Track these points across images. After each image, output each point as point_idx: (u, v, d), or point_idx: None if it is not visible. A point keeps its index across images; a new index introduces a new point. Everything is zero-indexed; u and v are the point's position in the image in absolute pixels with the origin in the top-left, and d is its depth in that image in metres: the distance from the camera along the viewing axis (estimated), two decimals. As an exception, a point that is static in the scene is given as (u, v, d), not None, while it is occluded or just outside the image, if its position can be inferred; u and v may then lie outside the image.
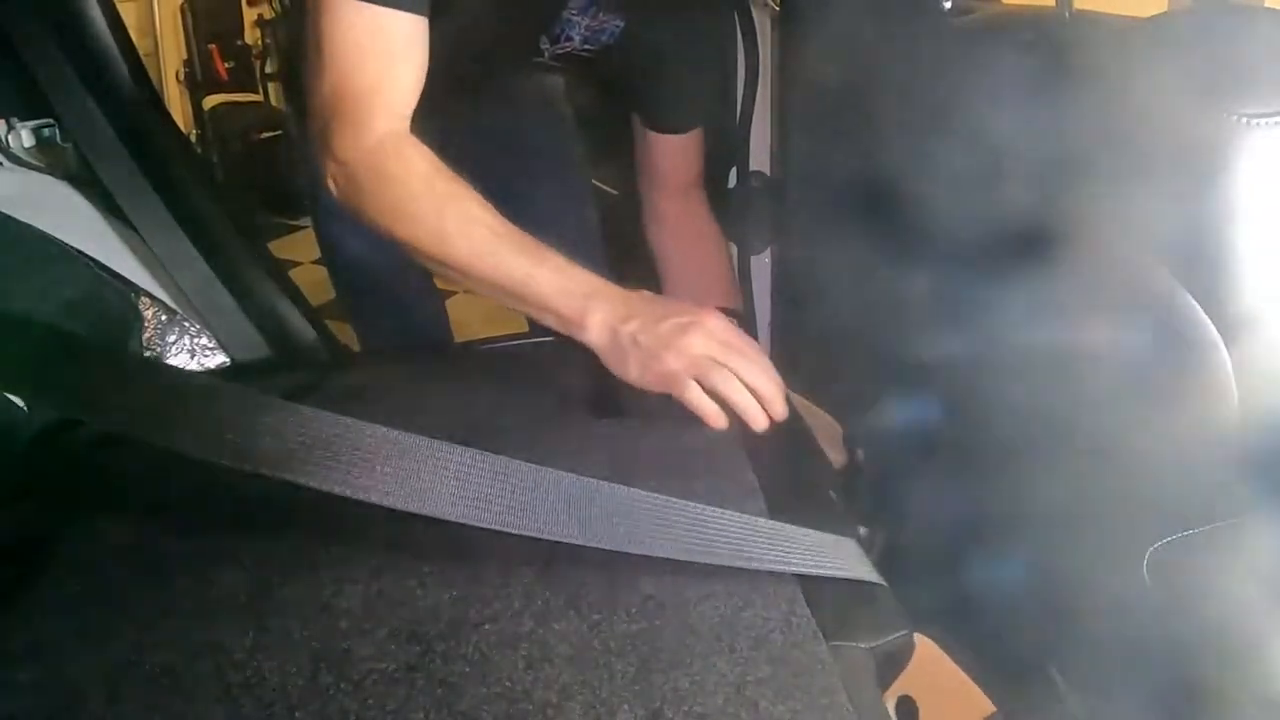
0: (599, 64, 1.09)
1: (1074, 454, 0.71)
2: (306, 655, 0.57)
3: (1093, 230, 0.67)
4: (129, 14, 1.13)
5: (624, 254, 1.32)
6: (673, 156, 1.15)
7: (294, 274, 1.17)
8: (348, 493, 0.57)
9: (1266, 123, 0.57)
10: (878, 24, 0.92)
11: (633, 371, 0.78)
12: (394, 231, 0.83)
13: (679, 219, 1.20)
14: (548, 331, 0.86)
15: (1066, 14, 0.72)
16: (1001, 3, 0.93)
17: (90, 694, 0.55)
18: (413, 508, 0.58)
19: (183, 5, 3.99)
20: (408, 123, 0.84)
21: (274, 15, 4.07)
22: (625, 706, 0.52)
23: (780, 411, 0.79)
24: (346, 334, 1.35)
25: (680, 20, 1.03)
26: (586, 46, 1.05)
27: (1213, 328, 0.62)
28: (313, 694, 0.55)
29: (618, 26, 1.03)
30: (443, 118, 0.88)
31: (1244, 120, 0.58)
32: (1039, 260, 0.70)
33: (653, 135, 1.14)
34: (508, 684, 0.54)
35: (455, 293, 1.33)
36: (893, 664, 0.60)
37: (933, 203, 0.83)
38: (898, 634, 0.60)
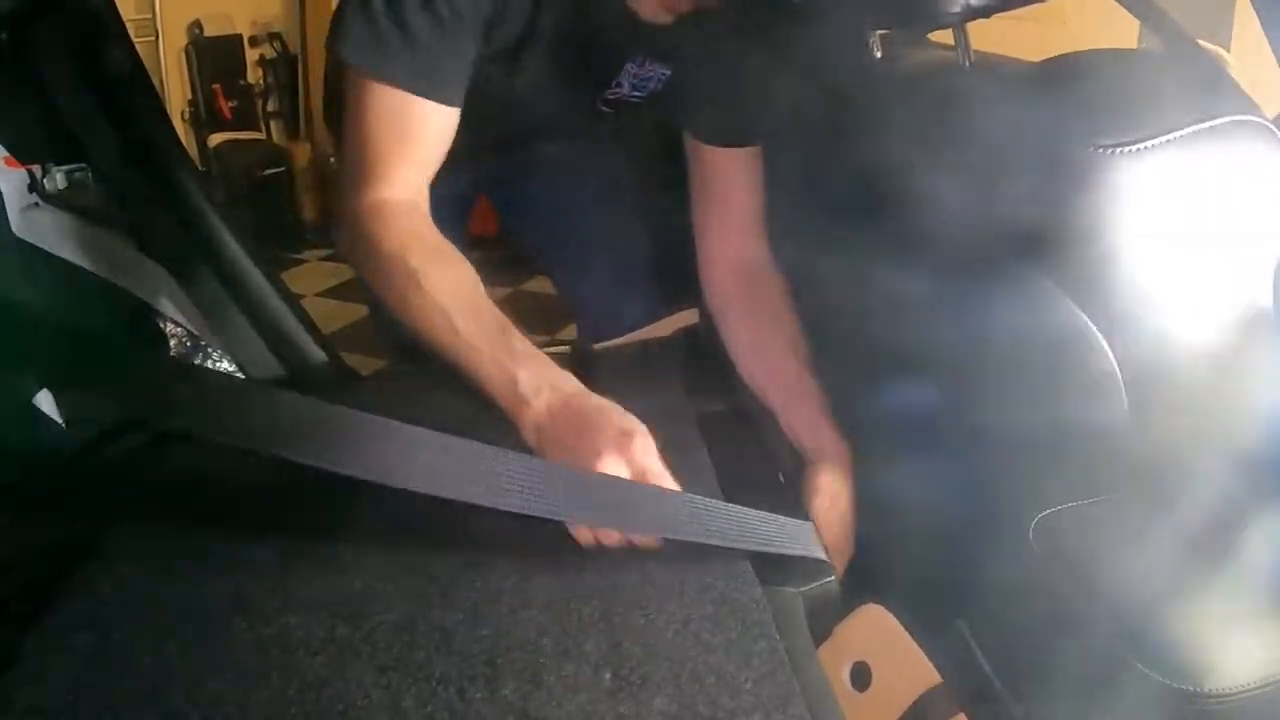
0: (647, 107, 1.07)
1: (971, 432, 0.82)
2: (326, 612, 0.68)
3: (985, 246, 0.78)
4: (136, 56, 1.23)
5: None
6: (729, 177, 1.07)
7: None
8: (353, 471, 0.67)
9: (1118, 151, 0.69)
10: (822, 68, 1.04)
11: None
12: (372, 289, 0.89)
13: (737, 292, 1.07)
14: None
15: (966, 63, 0.86)
16: (927, 49, 1.05)
17: (138, 652, 0.65)
18: (409, 486, 0.67)
19: (187, 47, 4.11)
20: (416, 196, 0.89)
21: (274, 56, 4.21)
22: (591, 641, 0.63)
23: None
24: (353, 360, 1.45)
25: (726, 48, 0.99)
26: (635, 94, 1.06)
27: (1087, 320, 0.73)
28: (330, 642, 0.65)
29: (664, 74, 1.04)
30: (503, 157, 1.00)
31: (1102, 150, 0.70)
32: (940, 271, 0.82)
33: (708, 153, 1.06)
34: (494, 626, 0.65)
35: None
36: (824, 608, 0.71)
37: (870, 224, 0.95)
38: (823, 580, 0.70)
